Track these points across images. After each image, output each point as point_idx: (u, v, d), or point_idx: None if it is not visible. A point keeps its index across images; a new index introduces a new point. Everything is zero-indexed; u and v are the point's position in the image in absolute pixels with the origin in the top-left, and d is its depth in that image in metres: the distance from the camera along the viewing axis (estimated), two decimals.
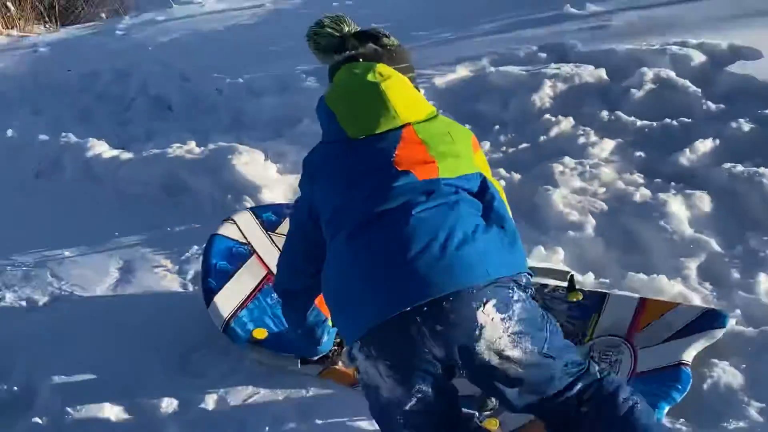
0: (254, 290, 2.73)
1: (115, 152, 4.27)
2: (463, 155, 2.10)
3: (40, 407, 2.52)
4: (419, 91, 2.27)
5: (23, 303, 3.13)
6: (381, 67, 2.13)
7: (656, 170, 3.28)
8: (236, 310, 2.62)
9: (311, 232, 2.15)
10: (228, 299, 2.63)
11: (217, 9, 8.84)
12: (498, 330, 1.86)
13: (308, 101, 4.34)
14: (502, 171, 3.42)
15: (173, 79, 5.58)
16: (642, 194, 3.10)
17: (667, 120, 3.53)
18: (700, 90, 3.66)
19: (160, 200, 3.80)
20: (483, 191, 2.08)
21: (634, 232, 2.97)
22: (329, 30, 2.28)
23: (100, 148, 4.32)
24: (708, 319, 2.32)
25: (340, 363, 2.52)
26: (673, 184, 3.15)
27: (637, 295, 2.54)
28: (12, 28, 9.63)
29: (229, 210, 3.21)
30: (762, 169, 3.06)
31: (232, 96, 4.97)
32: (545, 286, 2.64)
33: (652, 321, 2.39)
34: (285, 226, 2.70)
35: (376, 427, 2.07)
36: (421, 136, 2.04)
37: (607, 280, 2.79)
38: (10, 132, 5.09)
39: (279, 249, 2.62)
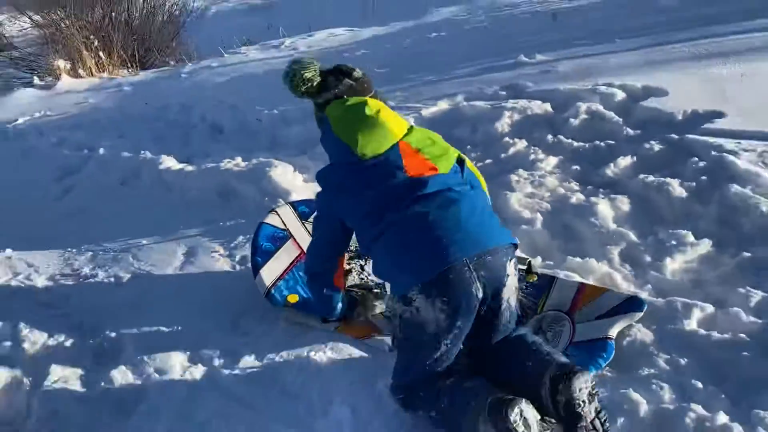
0: (290, 265, 2.80)
1: (180, 166, 4.28)
2: (445, 149, 2.21)
3: (125, 358, 2.56)
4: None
5: (112, 279, 3.14)
6: (371, 102, 2.19)
7: (588, 180, 3.31)
8: (276, 281, 2.71)
9: (333, 230, 2.26)
10: (270, 272, 2.72)
11: (257, 58, 8.83)
12: (514, 281, 2.09)
13: None
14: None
15: (225, 110, 5.57)
16: (577, 198, 3.15)
17: (597, 142, 3.56)
18: (621, 119, 3.69)
19: (214, 202, 3.81)
20: (462, 170, 2.20)
21: (572, 226, 3.01)
22: (309, 75, 2.25)
23: (170, 163, 4.33)
24: (630, 304, 2.39)
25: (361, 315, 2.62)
26: (601, 190, 3.20)
27: (578, 281, 2.59)
28: (103, 71, 9.63)
29: (267, 209, 3.19)
30: (668, 179, 3.10)
31: (270, 124, 4.96)
32: None
33: (588, 302, 2.45)
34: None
35: (380, 366, 2.25)
36: (414, 146, 2.14)
37: (551, 263, 2.81)
38: (101, 150, 5.09)
39: (310, 234, 2.72)
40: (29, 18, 10.98)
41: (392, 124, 2.17)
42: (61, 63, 9.33)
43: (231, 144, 4.91)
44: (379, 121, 2.14)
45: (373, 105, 2.18)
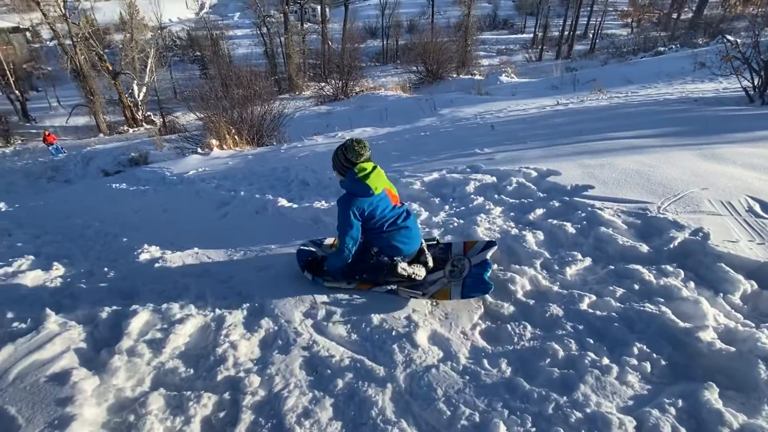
0: (318, 267, 2.80)
1: (289, 204, 4.22)
2: (395, 191, 2.59)
3: (267, 312, 2.49)
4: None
5: (255, 267, 3.05)
6: (377, 167, 2.48)
7: (519, 221, 3.24)
8: (314, 275, 2.73)
9: (357, 235, 2.46)
10: (310, 270, 2.78)
11: (322, 142, 8.81)
12: (427, 252, 2.66)
13: None
14: (455, 219, 3.34)
15: (308, 172, 5.54)
16: (514, 231, 3.05)
17: (522, 199, 3.50)
18: (535, 187, 3.64)
19: (310, 225, 3.76)
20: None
21: (512, 248, 2.91)
22: (358, 149, 2.44)
23: (283, 201, 4.26)
24: (490, 243, 2.74)
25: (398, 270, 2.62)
26: (527, 227, 3.11)
27: (461, 240, 2.90)
28: (237, 146, 9.60)
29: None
30: (564, 222, 3.05)
31: (334, 182, 4.92)
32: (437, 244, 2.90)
33: (470, 248, 2.75)
34: (328, 241, 3.13)
35: (381, 305, 2.46)
36: (390, 189, 2.53)
37: (501, 268, 2.75)
38: (242, 193, 5.06)
39: (322, 250, 2.98)
40: (195, 114, 10.99)
41: (384, 178, 2.52)
42: (213, 140, 9.34)
43: (314, 192, 4.88)
44: (382, 177, 2.50)
45: (375, 167, 2.48)
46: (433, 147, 5.60)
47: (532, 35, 34.55)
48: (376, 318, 2.35)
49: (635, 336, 2.06)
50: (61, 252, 4.02)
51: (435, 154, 5.14)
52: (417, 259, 2.61)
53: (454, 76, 22.42)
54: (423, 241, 2.66)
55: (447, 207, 3.61)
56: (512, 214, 3.33)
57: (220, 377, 2.01)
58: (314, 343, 2.18)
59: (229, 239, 3.71)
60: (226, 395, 1.90)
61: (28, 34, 32.47)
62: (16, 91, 24.33)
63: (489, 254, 2.62)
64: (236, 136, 9.72)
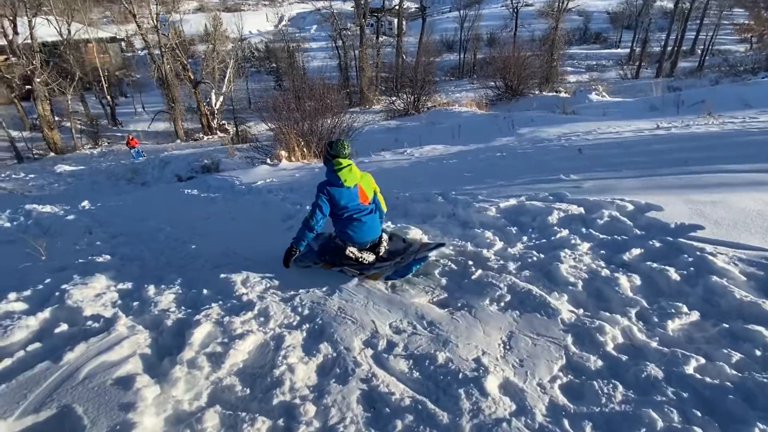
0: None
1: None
2: (371, 192, 3.35)
3: (326, 337, 2.50)
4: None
5: (317, 287, 3.08)
6: (353, 165, 3.22)
7: (611, 261, 3.01)
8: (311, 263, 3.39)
9: (325, 212, 3.16)
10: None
11: (390, 158, 8.92)
12: (385, 245, 3.31)
13: (439, 208, 4.29)
14: (534, 252, 3.20)
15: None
16: (605, 272, 2.86)
17: (615, 236, 3.27)
18: (631, 223, 3.38)
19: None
20: (373, 200, 3.35)
21: (601, 291, 2.71)
22: (340, 147, 3.22)
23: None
24: (439, 245, 3.26)
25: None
26: (620, 269, 2.89)
27: (419, 240, 3.49)
28: (305, 159, 10.04)
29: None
30: (666, 267, 2.80)
31: (404, 201, 4.87)
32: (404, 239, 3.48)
33: (426, 247, 3.26)
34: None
35: (448, 342, 2.42)
36: (363, 189, 3.27)
37: (588, 313, 2.57)
38: (308, 207, 5.17)
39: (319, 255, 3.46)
40: (267, 124, 11.71)
41: (357, 175, 3.28)
42: (282, 152, 9.85)
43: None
44: (355, 173, 3.25)
45: (351, 164, 3.21)
46: (511, 170, 5.43)
47: (628, 50, 32.91)
48: (441, 356, 2.28)
49: (756, 414, 1.85)
50: (134, 253, 4.40)
51: (513, 178, 4.98)
52: (372, 248, 3.32)
53: (536, 92, 21.88)
54: (385, 235, 3.41)
55: (525, 238, 3.46)
56: (602, 252, 3.12)
57: (275, 401, 2.04)
58: (373, 376, 2.16)
59: None
60: (280, 422, 1.93)
61: (122, 43, 37.10)
62: (108, 96, 27.63)
63: (433, 253, 3.18)
64: (305, 149, 10.19)
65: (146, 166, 14.57)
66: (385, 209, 3.51)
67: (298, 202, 5.73)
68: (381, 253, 3.31)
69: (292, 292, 3.05)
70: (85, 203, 9.14)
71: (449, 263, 3.22)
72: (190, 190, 9.13)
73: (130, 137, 19.44)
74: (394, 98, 22.94)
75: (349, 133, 11.29)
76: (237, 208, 6.09)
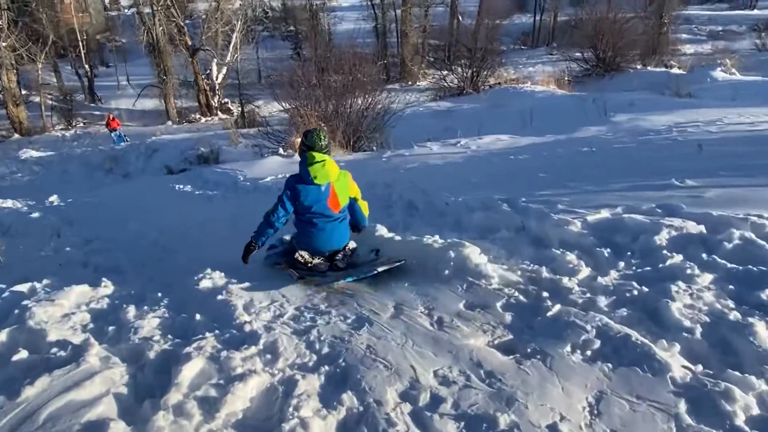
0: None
1: (391, 234, 4.30)
2: (345, 197, 3.91)
3: (351, 384, 2.50)
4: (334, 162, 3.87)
5: (341, 319, 3.11)
6: (328, 159, 3.79)
7: (744, 300, 2.85)
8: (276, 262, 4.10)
9: (288, 209, 3.83)
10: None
11: (438, 152, 8.98)
12: (344, 254, 3.87)
13: (504, 219, 4.26)
14: (634, 283, 3.10)
15: (417, 192, 5.56)
16: (734, 315, 2.70)
17: (750, 266, 3.08)
18: None
19: (417, 269, 3.73)
20: (351, 207, 4.02)
21: (729, 341, 2.59)
22: (315, 137, 3.84)
23: (382, 231, 4.35)
24: (399, 261, 3.73)
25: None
26: (757, 311, 2.73)
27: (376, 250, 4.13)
28: None
29: (458, 282, 3.27)
30: None
31: (455, 208, 4.89)
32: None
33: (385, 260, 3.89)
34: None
35: (510, 401, 2.36)
36: (336, 192, 3.83)
37: (710, 371, 2.46)
38: None
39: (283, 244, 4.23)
40: (281, 104, 11.99)
41: (331, 172, 3.80)
42: (299, 140, 10.01)
43: (424, 220, 4.88)
44: (327, 170, 3.77)
45: (326, 159, 3.78)
46: (603, 170, 5.32)
47: None
48: (503, 419, 2.23)
49: None
50: (111, 264, 4.58)
51: (605, 182, 4.88)
52: (330, 257, 3.91)
53: (638, 67, 21.40)
54: (352, 244, 3.97)
55: (622, 264, 3.36)
56: (731, 287, 3.00)
57: None
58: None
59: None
60: None
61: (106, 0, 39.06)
62: (86, 66, 29.01)
63: (383, 267, 3.69)
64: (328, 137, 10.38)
65: (129, 153, 15.22)
66: (366, 213, 4.19)
67: None
68: (337, 262, 3.89)
69: (308, 323, 3.08)
70: (54, 198, 9.59)
71: (515, 293, 3.18)
72: (182, 186, 9.43)
73: (111, 117, 20.40)
74: (446, 73, 23.00)
75: (385, 117, 11.39)
76: (241, 210, 6.21)
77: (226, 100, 27.04)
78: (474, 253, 3.62)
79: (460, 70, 21.97)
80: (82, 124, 26.08)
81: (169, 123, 24.77)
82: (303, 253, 3.82)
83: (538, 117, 12.13)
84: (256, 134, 12.56)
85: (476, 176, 6.20)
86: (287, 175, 5.64)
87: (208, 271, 3.84)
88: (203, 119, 25.10)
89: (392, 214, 5.33)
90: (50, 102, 26.92)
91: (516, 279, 3.33)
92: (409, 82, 27.35)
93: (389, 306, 3.24)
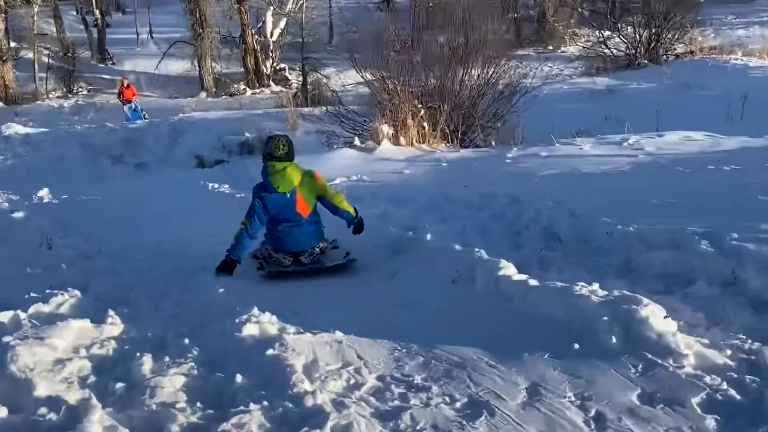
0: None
1: (522, 276, 4.22)
2: (312, 199, 5.38)
3: None
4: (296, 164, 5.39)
5: (446, 398, 3.05)
6: (289, 166, 5.25)
7: None
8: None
9: (263, 219, 5.32)
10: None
11: (593, 153, 8.82)
12: (316, 252, 5.37)
13: (703, 265, 4.11)
14: None
15: (562, 214, 5.50)
16: None
17: None
18: None
19: (562, 332, 3.61)
20: (328, 207, 5.54)
21: None
22: (273, 147, 5.31)
23: (508, 270, 4.29)
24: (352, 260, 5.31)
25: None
26: None
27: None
28: (423, 142, 10.32)
29: (629, 358, 3.14)
30: None
31: (621, 242, 4.76)
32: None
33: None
34: None
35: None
36: (302, 196, 5.27)
37: None
38: (428, 236, 5.37)
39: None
40: (361, 76, 12.17)
41: (295, 179, 5.25)
42: (385, 128, 10.19)
43: (572, 258, 4.82)
44: (289, 177, 5.22)
45: (287, 166, 5.26)
46: None
47: None
48: None
49: None
50: (119, 291, 4.80)
51: None
52: (295, 255, 5.34)
53: None
54: (318, 248, 5.41)
55: None
56: None
57: None
58: None
59: (399, 325, 3.89)
60: None
61: None
62: (97, 12, 30.91)
63: (332, 263, 5.34)
64: (425, 123, 10.43)
65: (147, 135, 15.93)
66: (350, 209, 5.63)
67: (411, 226, 5.89)
68: (301, 259, 5.36)
69: (397, 402, 3.04)
70: (44, 193, 10.19)
71: (722, 385, 3.00)
72: (217, 186, 9.79)
73: (125, 84, 21.55)
74: (608, 34, 22.54)
75: (511, 97, 11.30)
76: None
77: (282, 65, 27.98)
78: (655, 316, 3.47)
79: (630, 30, 21.47)
80: (86, 92, 27.79)
81: (203, 95, 25.91)
82: (267, 247, 5.49)
83: (754, 107, 11.60)
84: (324, 116, 12.75)
85: (655, 194, 6.04)
86: (362, 177, 7.63)
87: (255, 312, 3.93)
88: (250, 92, 26.06)
89: (521, 244, 5.33)
90: (46, 60, 28.80)
91: (723, 362, 3.18)
92: (550, 47, 27.17)
93: (520, 386, 3.15)
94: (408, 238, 5.48)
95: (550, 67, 19.14)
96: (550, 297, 3.91)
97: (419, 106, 10.42)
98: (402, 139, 10.26)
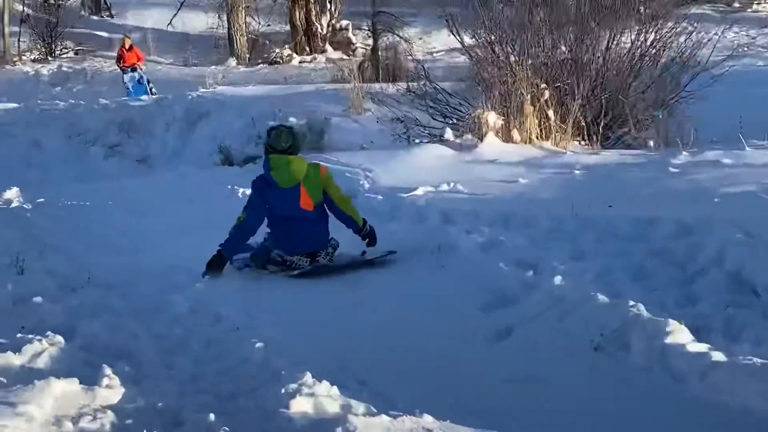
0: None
1: (701, 347, 4.10)
2: (317, 194, 6.82)
3: None
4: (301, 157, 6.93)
5: None
6: (293, 160, 6.72)
7: None
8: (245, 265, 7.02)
9: (261, 215, 6.83)
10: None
11: None
12: (326, 256, 6.90)
13: None
14: None
15: (758, 253, 5.35)
16: None
17: None
18: None
19: (762, 428, 3.54)
20: (333, 211, 6.97)
21: None
22: (275, 139, 6.79)
23: (681, 337, 4.17)
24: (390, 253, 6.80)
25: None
26: None
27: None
28: (547, 139, 10.12)
29: None
30: None
31: None
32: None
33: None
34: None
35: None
36: (307, 192, 6.73)
37: None
38: (556, 280, 5.24)
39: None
40: (458, 39, 12.06)
41: (298, 174, 6.67)
42: (491, 117, 10.05)
43: None
44: (293, 171, 6.66)
45: (291, 160, 6.69)
46: None
47: None
48: None
49: None
50: (117, 340, 4.78)
51: None
52: (310, 256, 6.66)
53: None
54: (330, 247, 6.80)
55: None
56: None
57: None
58: None
59: (517, 405, 3.89)
60: None
61: None
62: None
63: (373, 257, 6.79)
64: (550, 111, 10.27)
65: (154, 116, 16.23)
66: (357, 217, 6.94)
67: (528, 263, 5.84)
68: (319, 259, 6.70)
69: None
70: (13, 194, 10.31)
71: None
72: (249, 192, 9.77)
73: (127, 45, 21.81)
74: None
75: (679, 76, 11.09)
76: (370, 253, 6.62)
77: (345, 23, 28.09)
78: None
79: None
80: (72, 54, 28.37)
81: (233, 62, 26.26)
82: (278, 252, 6.68)
83: None
84: (401, 97, 12.71)
85: None
86: (456, 186, 7.88)
87: (308, 379, 3.88)
88: (298, 59, 26.25)
89: (697, 297, 5.20)
90: (20, 8, 29.50)
91: None
92: (737, 3, 26.65)
93: None
94: (526, 281, 5.37)
95: (736, 33, 18.75)
96: (743, 379, 3.79)
97: (542, 86, 10.26)
98: (516, 134, 10.10)
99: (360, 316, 5.29)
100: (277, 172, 6.62)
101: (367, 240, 6.89)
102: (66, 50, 28.62)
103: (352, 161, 9.87)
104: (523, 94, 10.10)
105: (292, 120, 13.88)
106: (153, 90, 20.34)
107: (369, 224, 6.93)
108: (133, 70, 21.34)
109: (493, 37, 11.07)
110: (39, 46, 28.56)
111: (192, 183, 11.28)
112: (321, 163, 7.06)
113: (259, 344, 4.61)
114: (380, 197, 8.34)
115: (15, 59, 27.32)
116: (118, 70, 22.00)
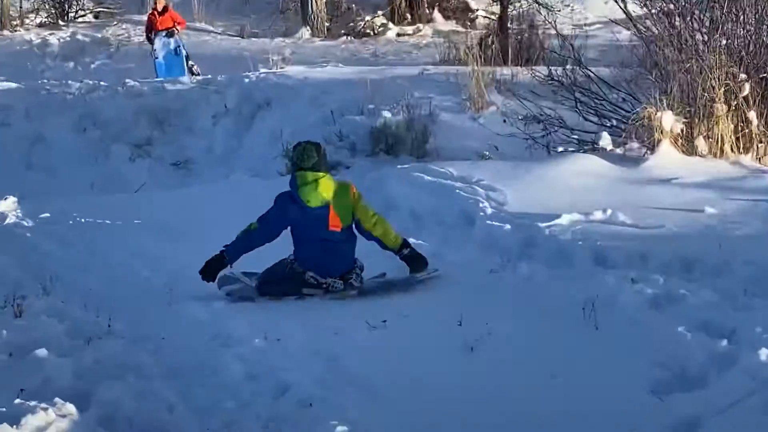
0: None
1: None
2: (347, 215, 8.46)
3: None
4: (331, 175, 8.73)
5: None
6: (322, 177, 8.22)
7: None
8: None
9: (273, 232, 8.49)
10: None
11: None
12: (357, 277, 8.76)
13: None
14: None
15: None
16: None
17: None
18: None
19: None
20: (357, 227, 8.71)
21: None
22: (298, 154, 8.36)
23: None
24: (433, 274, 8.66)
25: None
26: None
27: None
28: (746, 152, 9.98)
29: None
30: None
31: None
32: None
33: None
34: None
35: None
36: (336, 212, 8.34)
37: None
38: (763, 354, 5.09)
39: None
40: (623, 9, 11.98)
41: (326, 193, 8.18)
42: (668, 119, 9.92)
43: None
44: (320, 191, 8.14)
45: (318, 178, 8.13)
46: None
47: None
48: None
49: None
50: (144, 410, 4.77)
51: None
52: (342, 277, 8.40)
53: None
54: (358, 267, 8.44)
55: None
56: None
57: None
58: None
59: None
60: None
61: None
62: None
63: (422, 276, 8.55)
64: (752, 112, 10.13)
65: (197, 104, 16.46)
66: (395, 238, 8.32)
67: (721, 324, 5.65)
68: (352, 281, 8.14)
69: None
70: (9, 205, 10.51)
71: None
72: None
73: (160, 6, 21.95)
74: None
75: None
76: (482, 302, 6.67)
77: None
78: None
79: None
80: (91, 17, 28.89)
81: (306, 33, 26.48)
82: (311, 274, 8.10)
83: None
84: (539, 87, 12.66)
85: None
86: (614, 215, 7.89)
87: None
88: (395, 29, 26.39)
89: None
90: None
91: None
92: None
93: None
94: (717, 354, 5.19)
95: None
96: None
97: (741, 77, 10.11)
98: (701, 143, 9.96)
99: (482, 392, 5.05)
100: (303, 190, 8.01)
101: (411, 264, 8.27)
102: (83, 12, 29.06)
103: (468, 175, 9.85)
104: (713, 88, 9.98)
105: (386, 114, 13.83)
106: (195, 69, 20.44)
107: (411, 246, 8.36)
108: (169, 35, 21.40)
109: (672, 6, 10.99)
110: (48, 7, 28.96)
111: (246, 197, 11.20)
112: (349, 182, 8.51)
113: (341, 428, 4.58)
114: (507, 227, 8.31)
115: (15, 23, 27.78)
116: (146, 42, 22.22)
